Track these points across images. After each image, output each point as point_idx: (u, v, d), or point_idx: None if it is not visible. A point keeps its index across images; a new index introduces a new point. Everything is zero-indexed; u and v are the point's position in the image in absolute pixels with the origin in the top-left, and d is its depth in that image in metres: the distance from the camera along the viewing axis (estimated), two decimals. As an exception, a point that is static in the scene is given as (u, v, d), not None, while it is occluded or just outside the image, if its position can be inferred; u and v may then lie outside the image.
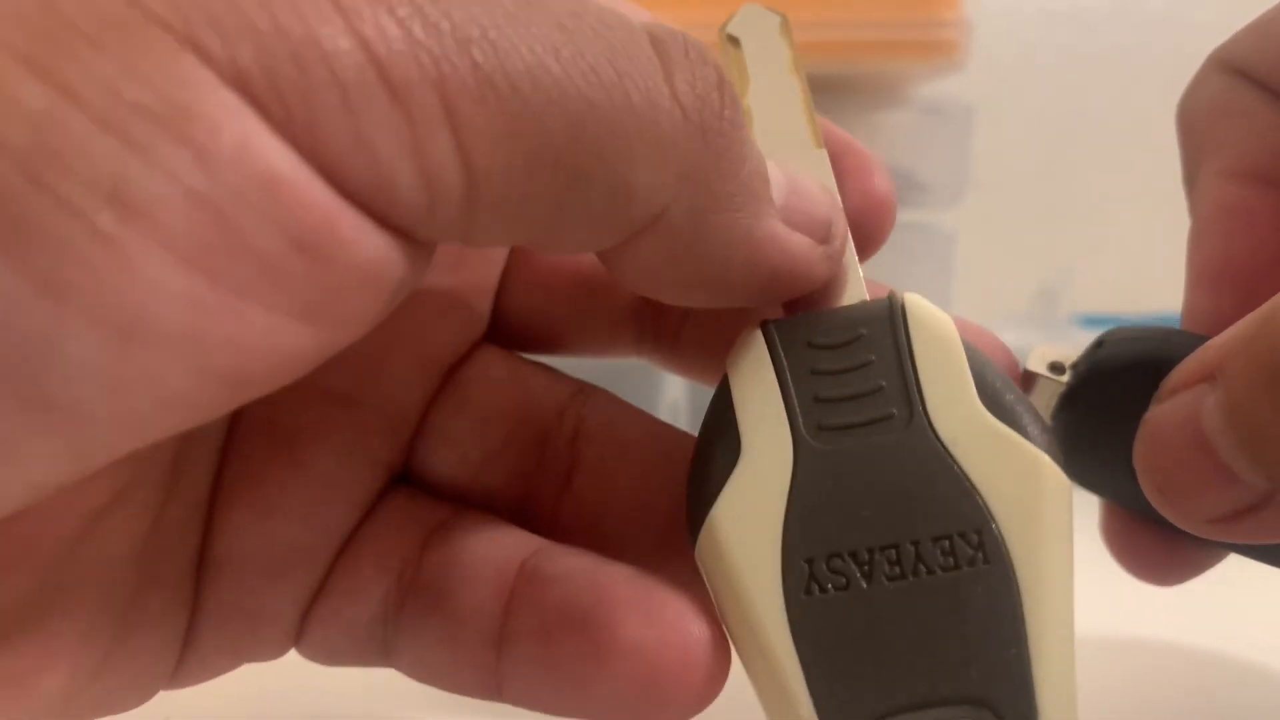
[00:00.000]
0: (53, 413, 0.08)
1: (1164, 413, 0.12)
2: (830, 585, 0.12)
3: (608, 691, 0.12)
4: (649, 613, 0.12)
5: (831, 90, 0.41)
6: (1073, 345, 0.16)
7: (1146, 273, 0.66)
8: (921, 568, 0.12)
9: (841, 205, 0.14)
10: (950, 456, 0.12)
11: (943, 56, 0.36)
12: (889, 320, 0.13)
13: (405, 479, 0.15)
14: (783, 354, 0.13)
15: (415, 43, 0.09)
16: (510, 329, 0.16)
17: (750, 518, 0.12)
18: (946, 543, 0.12)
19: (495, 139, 0.09)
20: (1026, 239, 0.64)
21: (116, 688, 0.13)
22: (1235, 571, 0.29)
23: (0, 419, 0.08)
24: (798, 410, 0.13)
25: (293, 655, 0.17)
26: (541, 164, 0.09)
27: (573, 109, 0.09)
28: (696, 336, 0.16)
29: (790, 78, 0.16)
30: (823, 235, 0.13)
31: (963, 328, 0.13)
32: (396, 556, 0.14)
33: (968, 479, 0.12)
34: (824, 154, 0.15)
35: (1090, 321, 0.54)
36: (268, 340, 0.09)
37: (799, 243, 0.12)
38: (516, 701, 0.13)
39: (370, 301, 0.10)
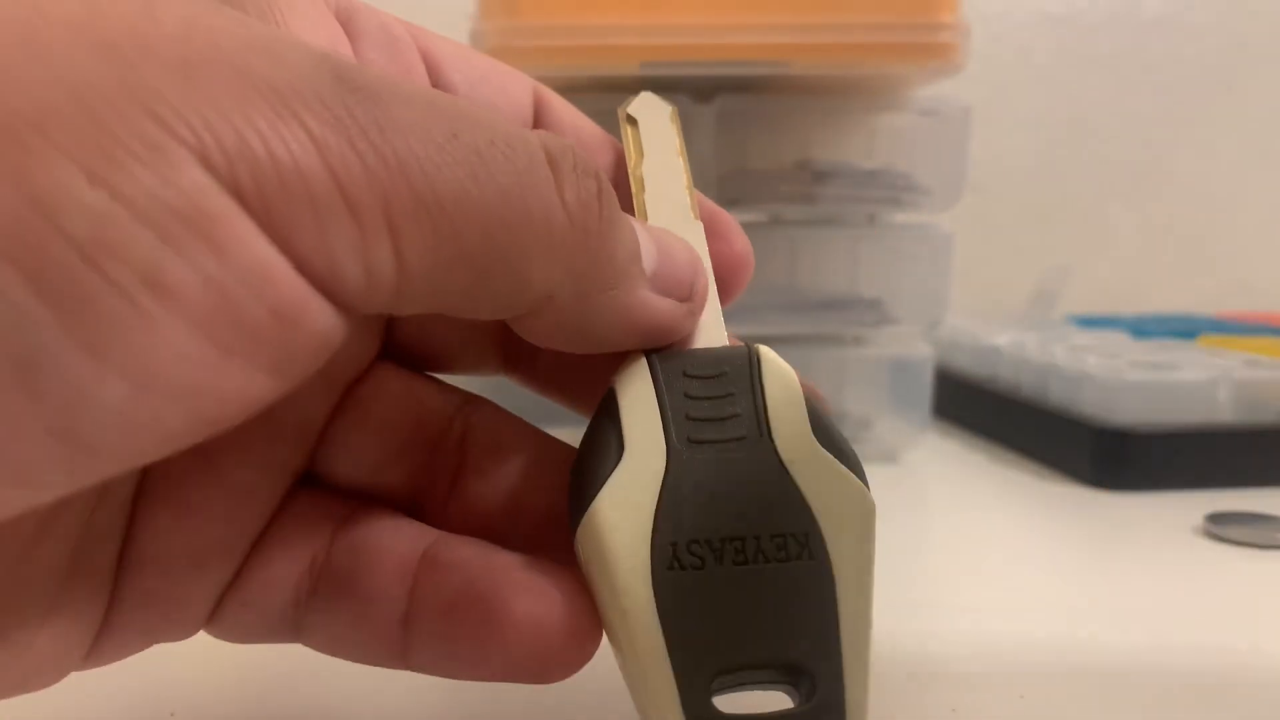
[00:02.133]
0: (74, 448, 0.10)
1: None
2: (689, 564, 0.15)
3: (504, 658, 0.15)
4: (538, 591, 0.15)
5: (830, 92, 0.41)
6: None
7: (1142, 274, 0.67)
8: (760, 557, 0.15)
9: (707, 265, 0.17)
10: (788, 473, 0.15)
11: (941, 59, 0.37)
12: (747, 363, 0.16)
13: (310, 480, 0.17)
14: (662, 379, 0.16)
15: (369, 171, 0.11)
16: (400, 350, 0.18)
17: (628, 506, 0.15)
18: (780, 540, 0.15)
19: (424, 246, 0.12)
20: (1023, 240, 0.65)
21: (33, 670, 0.14)
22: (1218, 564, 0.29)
23: (30, 450, 0.10)
24: (671, 425, 0.16)
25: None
26: (457, 263, 0.12)
27: (485, 222, 0.12)
28: (550, 363, 0.19)
29: (677, 159, 0.19)
30: (685, 294, 0.16)
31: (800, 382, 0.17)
32: (307, 548, 0.16)
33: (800, 492, 0.15)
34: (700, 225, 0.18)
35: (1087, 322, 0.54)
36: (243, 390, 0.11)
37: (664, 306, 0.15)
38: (421, 669, 0.16)
39: (319, 358, 0.12)
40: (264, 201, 0.10)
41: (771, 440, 0.16)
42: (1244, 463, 0.37)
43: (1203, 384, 0.38)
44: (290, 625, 0.16)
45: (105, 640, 0.15)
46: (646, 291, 0.15)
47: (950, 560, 0.30)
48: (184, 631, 0.16)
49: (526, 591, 0.15)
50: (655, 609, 0.14)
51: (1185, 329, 0.50)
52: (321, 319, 0.11)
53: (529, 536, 0.17)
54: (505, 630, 0.15)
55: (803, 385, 0.16)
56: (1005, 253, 0.63)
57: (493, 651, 0.15)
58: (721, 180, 0.39)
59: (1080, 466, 0.38)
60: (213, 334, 0.10)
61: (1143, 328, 0.51)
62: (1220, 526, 0.31)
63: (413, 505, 0.17)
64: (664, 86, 0.39)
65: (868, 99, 0.41)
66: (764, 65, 0.37)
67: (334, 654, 0.16)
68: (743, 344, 0.17)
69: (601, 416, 0.16)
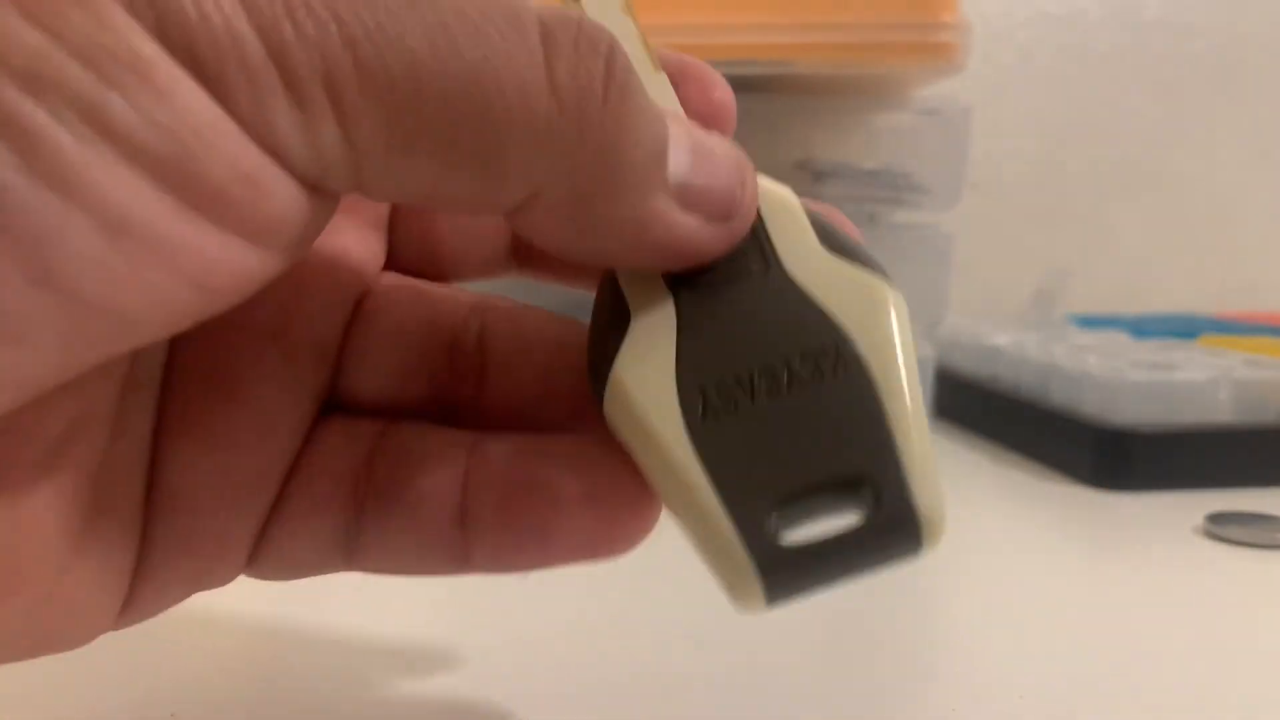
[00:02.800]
0: (57, 294, 0.10)
1: None
2: (723, 408, 0.14)
3: (567, 539, 0.15)
4: (591, 468, 0.15)
5: (830, 92, 0.41)
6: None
7: (1143, 273, 0.67)
8: (794, 381, 0.14)
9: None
10: (803, 291, 0.15)
11: (941, 59, 0.37)
12: None
13: (335, 406, 0.17)
14: None
15: (306, 40, 0.10)
16: (404, 259, 0.18)
17: (647, 366, 0.14)
18: (810, 359, 0.14)
19: (375, 124, 0.11)
20: (1024, 240, 0.65)
21: (62, 623, 0.14)
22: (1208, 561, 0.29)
23: (13, 299, 0.10)
24: (672, 276, 0.15)
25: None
26: (418, 146, 0.11)
27: (449, 99, 0.11)
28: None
29: (624, 17, 0.17)
30: (724, 212, 0.14)
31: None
32: (347, 470, 0.16)
33: (820, 307, 0.14)
34: (663, 76, 0.16)
35: (1087, 322, 0.54)
36: (225, 254, 0.11)
37: (690, 225, 0.14)
38: (483, 568, 0.15)
39: (295, 232, 0.11)
40: (196, 61, 0.10)
41: (780, 264, 0.15)
42: (1244, 463, 0.37)
43: (1203, 384, 0.38)
44: (341, 550, 0.16)
45: (141, 589, 0.15)
46: (668, 204, 0.13)
47: (950, 560, 0.30)
48: (226, 573, 0.15)
49: (580, 469, 0.15)
50: (699, 461, 0.14)
51: (1185, 329, 0.50)
52: (283, 189, 0.11)
53: (565, 420, 0.16)
54: (565, 510, 0.15)
55: (808, 203, 0.15)
56: (1005, 253, 0.63)
57: (555, 534, 0.15)
58: (722, 180, 0.39)
59: (1080, 466, 0.38)
60: (174, 184, 0.10)
61: (1143, 328, 0.51)
62: (1220, 526, 0.31)
63: (442, 413, 0.17)
64: (664, 86, 0.39)
65: (868, 99, 0.41)
66: (764, 65, 0.37)
67: (392, 571, 0.16)
68: None
69: (602, 288, 0.15)
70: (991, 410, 0.45)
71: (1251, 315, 0.57)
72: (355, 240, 0.17)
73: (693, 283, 0.15)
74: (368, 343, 0.16)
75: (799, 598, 0.13)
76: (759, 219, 0.15)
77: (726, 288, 0.15)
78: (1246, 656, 0.23)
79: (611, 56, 0.12)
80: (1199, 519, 0.32)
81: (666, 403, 0.14)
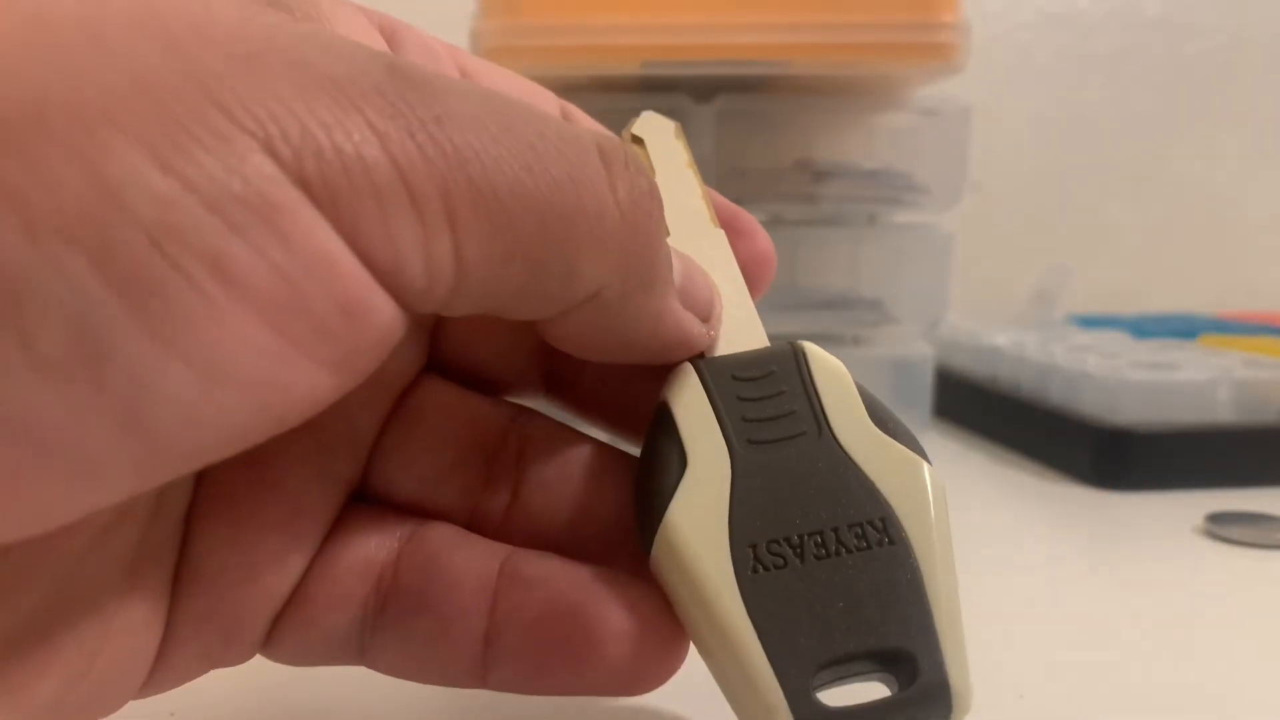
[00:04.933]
0: (141, 440, 0.10)
1: None
2: (772, 565, 0.15)
3: (596, 673, 0.15)
4: (628, 602, 0.15)
5: (830, 92, 0.41)
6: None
7: (1142, 274, 0.67)
8: (842, 548, 0.15)
9: (733, 270, 0.17)
10: (853, 463, 0.15)
11: (941, 59, 0.37)
12: (794, 360, 0.16)
13: (364, 497, 0.17)
14: (712, 384, 0.16)
15: (429, 162, 0.11)
16: (443, 369, 0.18)
17: (701, 515, 0.15)
18: (859, 528, 0.15)
19: (481, 238, 0.12)
20: (1024, 240, 0.65)
21: (94, 696, 0.14)
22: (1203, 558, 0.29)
23: (98, 440, 0.10)
24: (730, 428, 0.16)
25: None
26: (514, 256, 0.12)
27: (540, 213, 0.12)
28: (593, 382, 0.19)
29: (687, 171, 0.19)
30: (705, 314, 0.16)
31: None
32: (372, 566, 0.16)
33: (869, 479, 0.15)
34: (722, 233, 0.18)
35: (1087, 322, 0.54)
36: (307, 386, 0.11)
37: (690, 320, 0.16)
38: (501, 687, 0.15)
39: (378, 356, 0.12)
40: (329, 192, 0.10)
41: (831, 432, 0.16)
42: (1244, 463, 0.37)
43: (1203, 384, 0.38)
44: (355, 646, 0.16)
45: (163, 665, 0.15)
46: (677, 302, 0.15)
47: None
48: (241, 654, 0.16)
49: (616, 602, 0.15)
50: (747, 614, 0.14)
51: (1185, 329, 0.50)
52: (384, 314, 0.11)
53: (596, 549, 0.16)
54: (599, 644, 0.15)
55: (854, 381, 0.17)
56: (1005, 253, 0.63)
57: (585, 666, 0.15)
58: (721, 180, 0.39)
59: (1080, 466, 0.38)
60: (279, 325, 0.10)
61: (1143, 328, 0.51)
62: (1220, 526, 0.31)
63: (472, 520, 0.17)
64: (664, 86, 0.39)
65: (868, 99, 0.41)
66: (764, 65, 0.37)
67: (404, 675, 0.16)
68: (785, 342, 0.17)
69: (657, 429, 0.16)
70: (991, 410, 0.45)
71: (1251, 315, 0.57)
72: (404, 339, 0.17)
73: (750, 434, 0.16)
74: (406, 441, 0.17)
75: None
76: (812, 382, 0.16)
77: (780, 445, 0.16)
78: (1246, 656, 0.23)
79: (649, 175, 0.14)
80: (1198, 519, 0.32)
81: (719, 555, 0.14)
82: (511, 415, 0.17)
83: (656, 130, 0.20)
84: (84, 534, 0.13)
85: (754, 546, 0.15)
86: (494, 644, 0.15)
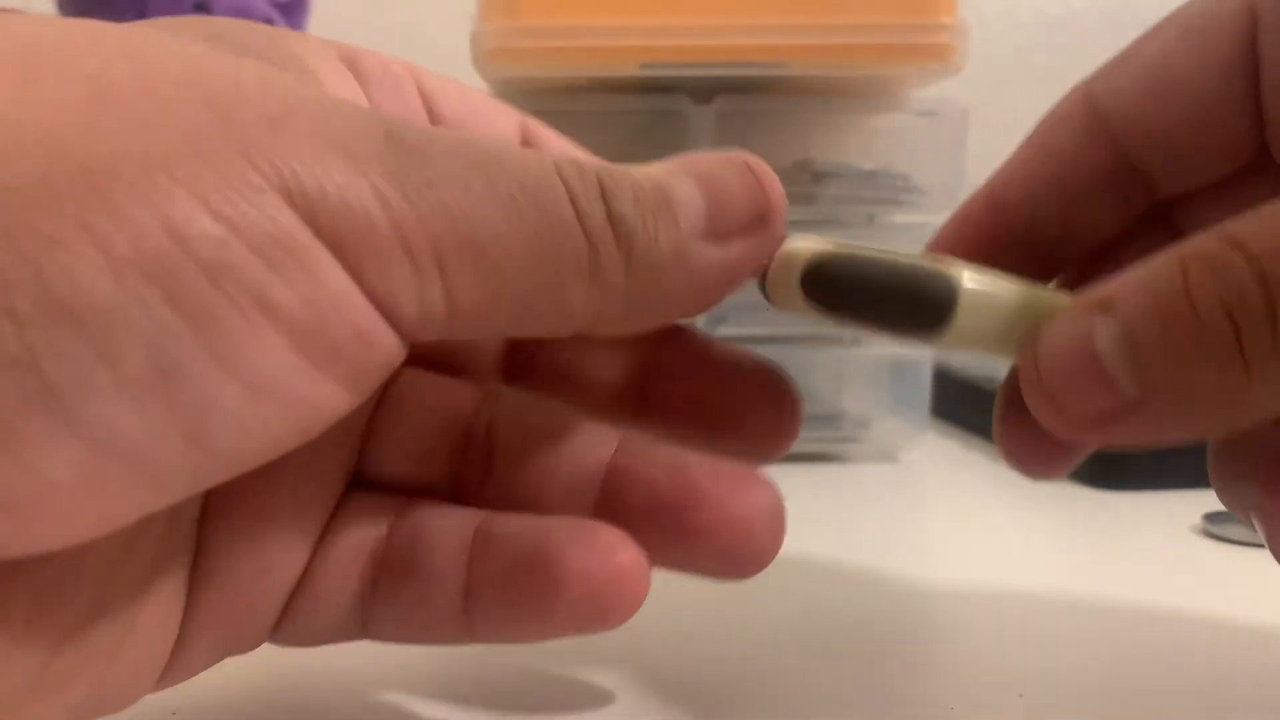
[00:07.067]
0: (202, 450, 0.12)
1: (1059, 331, 0.15)
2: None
3: (563, 614, 0.16)
4: (588, 544, 0.16)
5: (830, 93, 0.41)
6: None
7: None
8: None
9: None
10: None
11: (939, 60, 0.37)
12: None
13: (358, 483, 0.18)
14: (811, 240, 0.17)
15: (421, 221, 0.13)
16: (414, 357, 0.19)
17: (981, 274, 0.16)
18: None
19: (469, 284, 0.13)
20: (1022, 241, 0.64)
21: (115, 688, 0.15)
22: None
23: (168, 452, 0.11)
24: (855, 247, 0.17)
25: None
26: (502, 297, 0.14)
27: (522, 260, 0.13)
28: (550, 368, 0.20)
29: None
30: (754, 224, 0.16)
31: None
32: (367, 543, 0.17)
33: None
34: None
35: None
36: (327, 400, 0.13)
37: (731, 252, 0.16)
38: (486, 639, 0.17)
39: (382, 377, 0.13)
40: (338, 240, 0.12)
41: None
42: (1242, 462, 0.37)
43: (1200, 384, 0.38)
44: (356, 620, 0.17)
45: (178, 659, 0.16)
46: (703, 253, 0.15)
47: (949, 559, 0.30)
48: (253, 641, 0.17)
49: (576, 544, 0.16)
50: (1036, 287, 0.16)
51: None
52: (388, 342, 0.13)
53: (564, 503, 0.17)
54: (563, 584, 0.16)
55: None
56: (1004, 253, 0.63)
57: (553, 605, 0.16)
58: (721, 181, 0.39)
59: (1078, 466, 0.38)
60: (306, 348, 0.12)
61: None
62: (1217, 525, 0.31)
63: (455, 492, 0.18)
64: (663, 88, 0.39)
65: (866, 100, 0.41)
66: (764, 66, 0.37)
67: (400, 640, 0.17)
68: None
69: (855, 268, 0.16)
70: (989, 410, 0.45)
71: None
72: None
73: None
74: (390, 427, 0.18)
75: None
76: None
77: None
78: (1244, 655, 0.23)
79: (603, 185, 0.14)
80: (1196, 518, 0.32)
81: (1003, 279, 0.16)
82: (482, 394, 0.19)
83: None
84: (117, 540, 0.14)
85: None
86: (472, 598, 0.16)
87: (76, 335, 0.11)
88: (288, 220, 0.12)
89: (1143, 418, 0.15)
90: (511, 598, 0.16)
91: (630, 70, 0.37)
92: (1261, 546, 0.30)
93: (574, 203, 0.14)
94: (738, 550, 0.16)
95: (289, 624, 0.17)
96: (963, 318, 0.16)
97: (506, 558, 0.16)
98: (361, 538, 0.17)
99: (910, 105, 0.40)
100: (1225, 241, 0.14)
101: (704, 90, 0.39)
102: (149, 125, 0.11)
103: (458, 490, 0.18)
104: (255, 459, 0.12)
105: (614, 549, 0.16)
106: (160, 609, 0.15)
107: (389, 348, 0.13)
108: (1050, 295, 0.16)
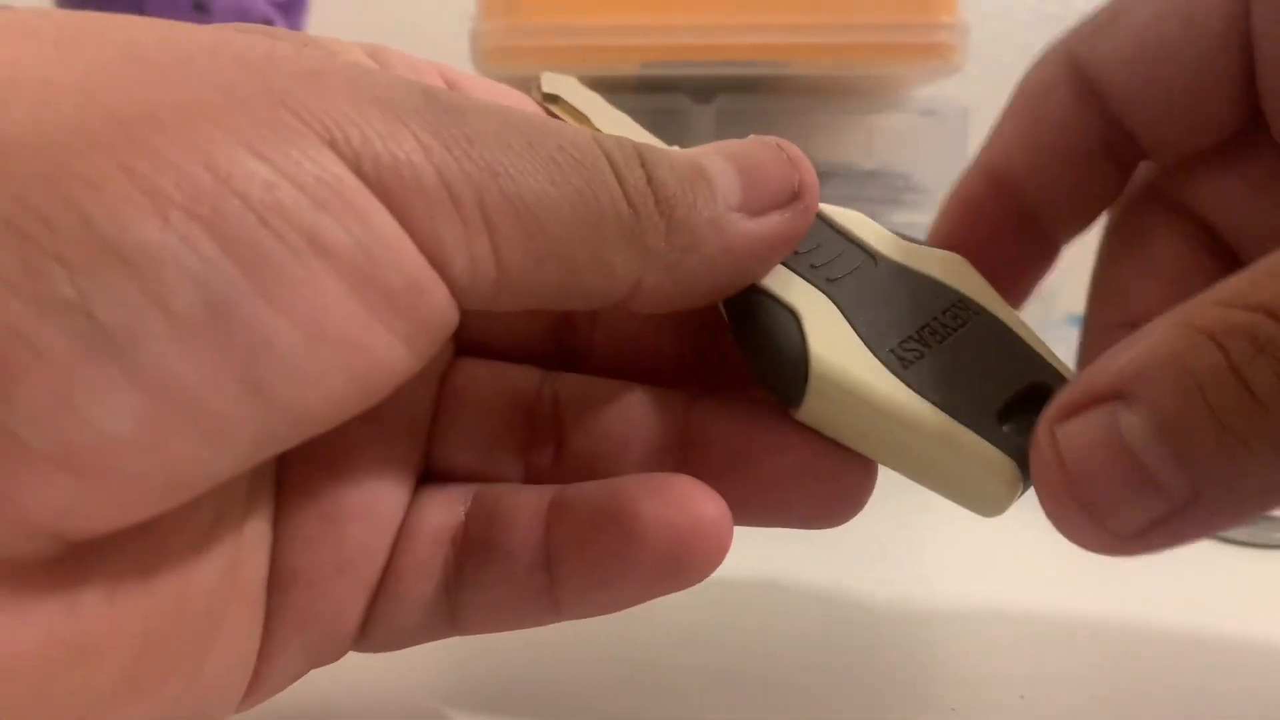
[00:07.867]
0: (259, 400, 0.11)
1: (1076, 432, 0.14)
2: (913, 358, 0.16)
3: (645, 569, 0.15)
4: (664, 495, 0.15)
5: (830, 93, 0.41)
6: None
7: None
8: (948, 330, 0.17)
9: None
10: (913, 270, 0.18)
11: (940, 59, 0.37)
12: (819, 219, 0.18)
13: (429, 478, 0.18)
14: None
15: (465, 174, 0.13)
16: (468, 347, 0.19)
17: (839, 342, 0.16)
18: (950, 312, 0.17)
19: (516, 242, 0.13)
20: (1022, 240, 0.64)
21: (203, 703, 0.14)
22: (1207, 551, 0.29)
23: (224, 398, 0.11)
24: (809, 276, 0.17)
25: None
26: (548, 257, 0.13)
27: (567, 219, 0.13)
28: (605, 352, 0.19)
29: (615, 111, 0.20)
30: (787, 199, 0.16)
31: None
32: (446, 530, 0.17)
33: (932, 278, 0.18)
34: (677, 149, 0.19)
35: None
36: (386, 355, 0.12)
37: (766, 226, 0.16)
38: (572, 613, 0.16)
39: (438, 340, 0.13)
40: (384, 188, 0.12)
41: (882, 255, 0.18)
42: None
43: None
44: (443, 614, 0.17)
45: (266, 666, 0.15)
46: (740, 225, 0.15)
47: (949, 559, 0.30)
48: (341, 646, 0.16)
49: (653, 495, 0.15)
50: (924, 400, 0.16)
51: (1184, 329, 0.50)
52: (440, 295, 0.13)
53: (635, 466, 0.17)
54: (642, 537, 0.15)
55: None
56: (1004, 253, 0.63)
57: (635, 562, 0.15)
58: (721, 180, 0.39)
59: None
60: (362, 292, 0.12)
61: (1141, 328, 0.51)
62: (1219, 526, 0.31)
63: (526, 476, 0.18)
64: (664, 86, 0.39)
65: (867, 99, 0.41)
66: (764, 65, 0.37)
67: (490, 628, 0.17)
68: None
69: (751, 302, 0.17)
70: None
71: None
72: None
73: (825, 275, 0.17)
74: (454, 419, 0.18)
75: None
76: (842, 227, 0.18)
77: (853, 276, 0.17)
78: (1246, 656, 0.23)
79: (644, 161, 0.15)
80: (1198, 518, 0.32)
81: (872, 366, 0.16)
82: (540, 376, 0.19)
83: (566, 86, 0.21)
84: (190, 533, 0.13)
85: (892, 350, 0.16)
86: (554, 567, 0.16)
87: (127, 277, 0.10)
88: (333, 164, 0.12)
89: (1196, 517, 0.13)
90: (591, 556, 0.16)
91: (631, 69, 0.37)
92: (1264, 546, 0.30)
93: (614, 167, 0.14)
94: (829, 495, 0.16)
95: (375, 625, 0.16)
96: (813, 401, 0.16)
97: (583, 518, 0.16)
98: (439, 526, 0.17)
99: (910, 105, 0.40)
100: (1260, 311, 0.12)
101: (704, 89, 0.39)
102: (183, 80, 0.12)
103: (530, 473, 0.18)
104: (318, 417, 0.12)
105: (692, 497, 0.15)
106: (243, 609, 0.15)
107: (441, 302, 0.13)
108: (929, 411, 0.16)
